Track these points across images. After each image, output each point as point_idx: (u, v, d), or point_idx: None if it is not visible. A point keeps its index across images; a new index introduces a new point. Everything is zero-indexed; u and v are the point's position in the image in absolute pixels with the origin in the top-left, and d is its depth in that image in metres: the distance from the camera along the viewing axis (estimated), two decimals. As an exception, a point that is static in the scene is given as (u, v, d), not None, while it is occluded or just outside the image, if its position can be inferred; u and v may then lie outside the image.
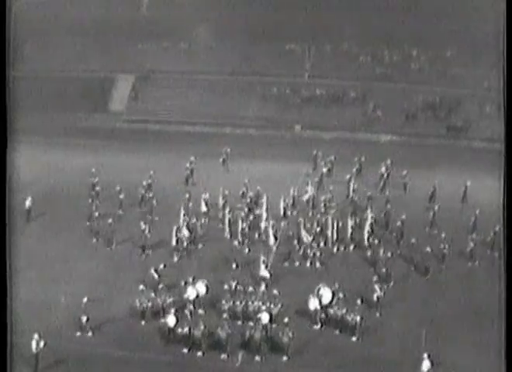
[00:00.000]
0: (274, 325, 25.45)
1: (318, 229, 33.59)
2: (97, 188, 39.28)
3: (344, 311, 25.98)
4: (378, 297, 27.84)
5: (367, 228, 33.58)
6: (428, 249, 31.95)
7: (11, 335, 17.05)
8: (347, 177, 41.59)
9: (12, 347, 17.14)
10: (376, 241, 33.86)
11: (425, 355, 23.38)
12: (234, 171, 43.90)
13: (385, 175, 42.48)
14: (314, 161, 45.26)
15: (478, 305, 28.08)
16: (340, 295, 26.71)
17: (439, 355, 24.23)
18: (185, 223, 33.30)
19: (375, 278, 30.47)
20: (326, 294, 26.69)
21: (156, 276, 28.89)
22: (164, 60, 63.30)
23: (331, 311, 26.13)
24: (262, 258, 29.50)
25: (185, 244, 32.80)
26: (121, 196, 37.79)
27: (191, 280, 27.99)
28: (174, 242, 32.00)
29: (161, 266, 29.92)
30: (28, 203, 36.37)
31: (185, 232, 32.73)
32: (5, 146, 15.76)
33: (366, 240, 33.25)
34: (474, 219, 34.91)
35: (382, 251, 32.10)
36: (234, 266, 31.47)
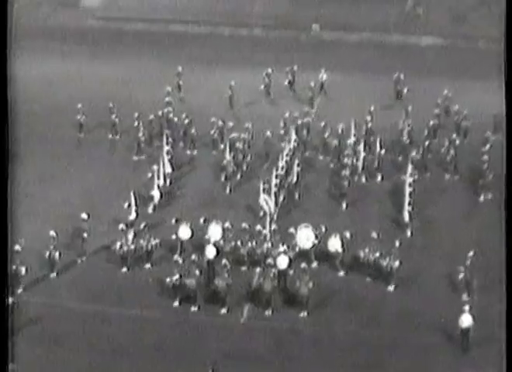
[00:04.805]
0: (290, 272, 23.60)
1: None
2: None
3: (378, 254, 24.11)
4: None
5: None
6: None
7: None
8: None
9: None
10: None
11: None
12: (233, 83, 38.47)
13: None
14: (334, 71, 40.50)
15: None
16: (374, 235, 24.52)
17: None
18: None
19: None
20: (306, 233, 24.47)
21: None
22: None
23: (362, 254, 24.23)
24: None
25: None
26: (78, 117, 34.26)
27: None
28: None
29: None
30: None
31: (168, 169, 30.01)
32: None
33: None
34: None
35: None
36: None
